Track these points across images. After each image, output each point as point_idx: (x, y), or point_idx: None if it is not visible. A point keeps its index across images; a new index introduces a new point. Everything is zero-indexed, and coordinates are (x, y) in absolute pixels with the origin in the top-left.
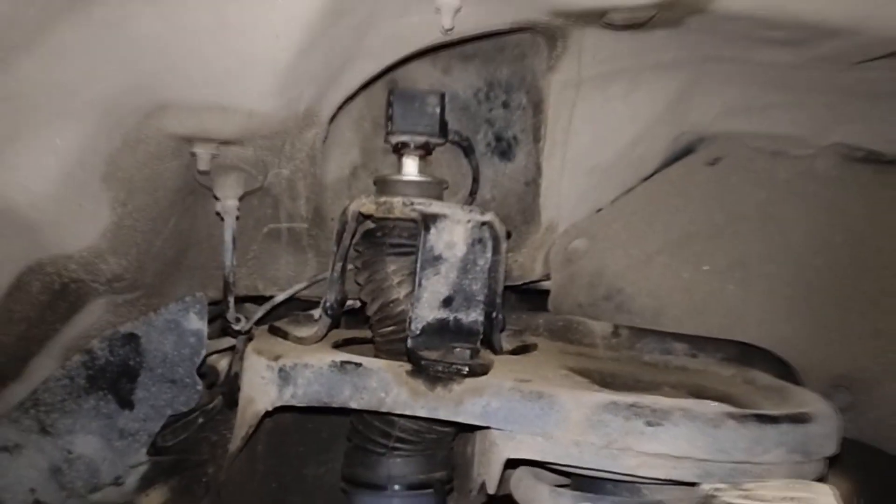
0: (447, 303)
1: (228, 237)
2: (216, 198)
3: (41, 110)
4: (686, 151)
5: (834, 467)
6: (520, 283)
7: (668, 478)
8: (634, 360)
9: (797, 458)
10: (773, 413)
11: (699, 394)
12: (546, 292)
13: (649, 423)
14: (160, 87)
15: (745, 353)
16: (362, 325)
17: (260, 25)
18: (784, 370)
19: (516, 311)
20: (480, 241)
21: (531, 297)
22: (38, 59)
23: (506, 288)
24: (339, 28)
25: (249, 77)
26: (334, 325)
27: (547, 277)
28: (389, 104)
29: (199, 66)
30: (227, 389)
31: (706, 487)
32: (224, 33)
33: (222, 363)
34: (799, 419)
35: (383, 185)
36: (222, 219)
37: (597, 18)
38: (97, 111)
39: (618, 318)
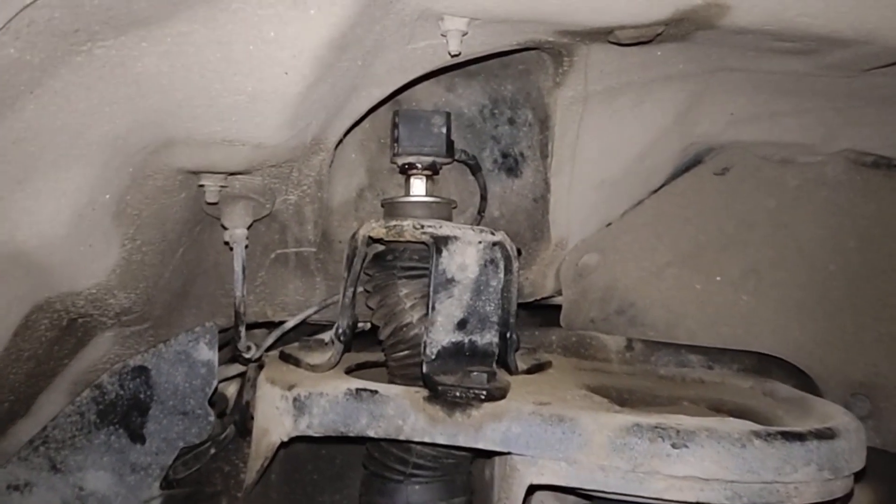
0: (462, 325)
1: (238, 267)
2: (224, 227)
3: (49, 152)
4: (695, 162)
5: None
6: (531, 299)
7: (697, 500)
8: (650, 374)
9: (826, 475)
10: (799, 430)
11: (719, 408)
12: (556, 307)
13: (675, 445)
14: (166, 124)
15: (762, 364)
16: (373, 346)
17: (268, 62)
18: (802, 380)
19: (527, 327)
20: (493, 261)
21: (542, 311)
22: (43, 102)
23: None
24: (346, 59)
25: (258, 112)
26: (346, 349)
27: (558, 293)
28: (395, 125)
29: (205, 103)
30: (239, 418)
31: None
32: (231, 70)
33: (231, 390)
34: (825, 435)
35: (392, 208)
36: (231, 248)
37: (603, 36)
38: (104, 151)
39: (631, 331)
